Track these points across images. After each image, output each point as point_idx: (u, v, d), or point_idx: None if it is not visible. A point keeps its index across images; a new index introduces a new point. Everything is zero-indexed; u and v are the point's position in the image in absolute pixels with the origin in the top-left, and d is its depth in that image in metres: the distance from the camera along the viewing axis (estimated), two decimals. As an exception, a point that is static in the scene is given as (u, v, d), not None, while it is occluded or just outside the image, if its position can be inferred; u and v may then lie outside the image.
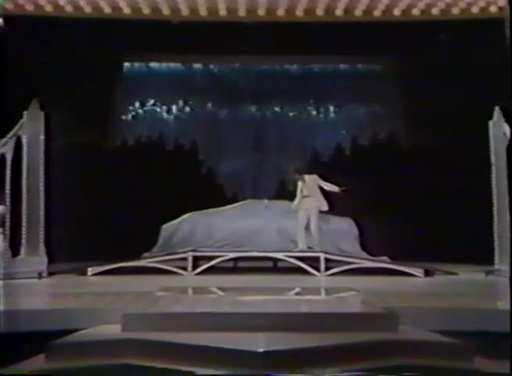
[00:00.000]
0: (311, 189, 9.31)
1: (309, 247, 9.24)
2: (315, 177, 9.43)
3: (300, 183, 9.43)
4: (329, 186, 9.30)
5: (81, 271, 8.60)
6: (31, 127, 8.40)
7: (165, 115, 11.93)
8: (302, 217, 9.33)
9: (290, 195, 10.18)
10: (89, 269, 8.56)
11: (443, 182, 10.44)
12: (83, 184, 10.22)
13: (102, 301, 6.13)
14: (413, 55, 10.61)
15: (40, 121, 8.45)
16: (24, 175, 8.32)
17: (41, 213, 8.34)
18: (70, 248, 9.48)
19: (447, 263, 9.12)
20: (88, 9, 9.76)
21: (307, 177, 9.43)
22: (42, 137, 8.44)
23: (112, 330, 4.87)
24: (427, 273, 8.49)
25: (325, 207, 9.29)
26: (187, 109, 11.97)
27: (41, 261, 8.26)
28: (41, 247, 8.29)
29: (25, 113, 8.43)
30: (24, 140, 8.36)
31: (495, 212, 8.56)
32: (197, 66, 12.03)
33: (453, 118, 10.21)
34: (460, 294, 6.82)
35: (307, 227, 9.31)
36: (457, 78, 9.97)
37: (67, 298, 6.33)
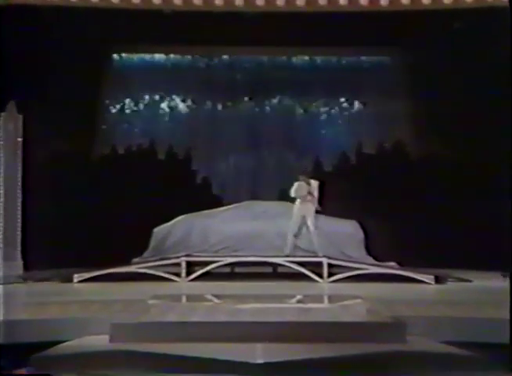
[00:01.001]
0: (314, 194, 9.37)
1: (312, 252, 9.27)
2: (317, 183, 9.51)
3: (300, 184, 9.45)
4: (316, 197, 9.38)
5: (66, 278, 8.58)
6: (8, 129, 8.46)
7: (158, 112, 11.90)
8: (296, 221, 9.39)
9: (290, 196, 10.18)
10: (75, 276, 8.54)
11: (456, 183, 10.42)
12: (66, 189, 10.20)
13: (89, 310, 6.11)
14: (423, 47, 10.56)
15: (18, 124, 8.51)
16: (1, 179, 8.37)
17: (19, 218, 8.41)
18: (54, 254, 9.45)
19: (459, 269, 9.11)
20: (73, -3, 9.71)
21: (313, 182, 9.50)
22: (20, 140, 8.51)
23: (99, 341, 4.86)
24: (438, 280, 8.48)
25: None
26: (181, 104, 11.95)
27: (17, 266, 8.31)
28: (18, 252, 8.36)
29: (2, 114, 8.44)
30: (1, 142, 8.41)
31: None
32: (191, 59, 12.01)
33: (471, 117, 10.14)
34: (474, 302, 6.81)
35: (299, 232, 9.38)
36: (474, 74, 9.91)
37: (51, 307, 6.31)
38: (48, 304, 6.52)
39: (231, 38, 10.76)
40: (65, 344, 4.88)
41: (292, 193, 9.40)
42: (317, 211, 9.39)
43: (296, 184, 9.44)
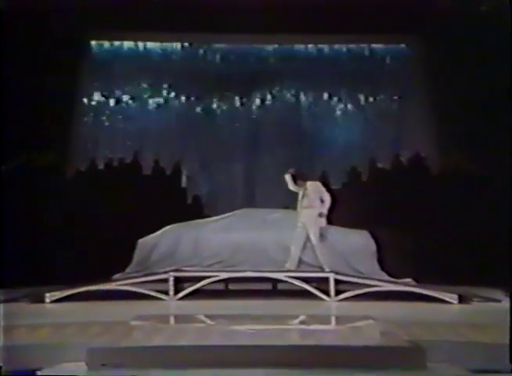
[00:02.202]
0: (312, 198, 9.39)
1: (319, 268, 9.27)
2: (317, 184, 9.49)
3: (301, 191, 9.49)
4: (326, 203, 9.33)
5: (36, 297, 8.54)
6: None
7: (142, 110, 11.89)
8: (299, 232, 9.40)
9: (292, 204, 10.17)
10: (47, 295, 8.50)
11: (482, 192, 10.40)
12: (36, 202, 10.18)
13: (63, 334, 6.08)
14: (445, 34, 10.52)
15: None
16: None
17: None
18: (22, 270, 9.38)
19: (486, 287, 9.09)
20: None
21: (309, 184, 9.48)
22: None
23: (75, 368, 4.84)
24: (462, 299, 8.47)
25: (322, 223, 9.36)
26: (168, 99, 11.96)
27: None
28: None
29: None
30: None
31: None
32: (180, 48, 12.01)
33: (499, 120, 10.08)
34: (503, 326, 6.77)
35: (305, 244, 9.40)
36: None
37: (19, 331, 6.27)
38: (15, 328, 6.46)
39: (226, 25, 10.74)
40: (37, 373, 4.84)
41: (303, 203, 9.37)
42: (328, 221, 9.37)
43: (300, 194, 9.43)
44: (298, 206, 9.50)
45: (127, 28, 11.16)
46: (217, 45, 11.97)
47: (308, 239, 9.42)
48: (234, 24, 10.75)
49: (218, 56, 11.99)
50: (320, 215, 9.29)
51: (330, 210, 9.42)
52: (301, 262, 9.50)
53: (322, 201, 9.36)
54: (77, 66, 11.20)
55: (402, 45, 11.91)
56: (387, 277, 9.56)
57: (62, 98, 10.67)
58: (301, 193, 9.50)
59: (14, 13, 9.16)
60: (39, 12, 9.74)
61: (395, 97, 11.74)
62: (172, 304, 8.46)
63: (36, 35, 9.99)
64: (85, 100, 11.58)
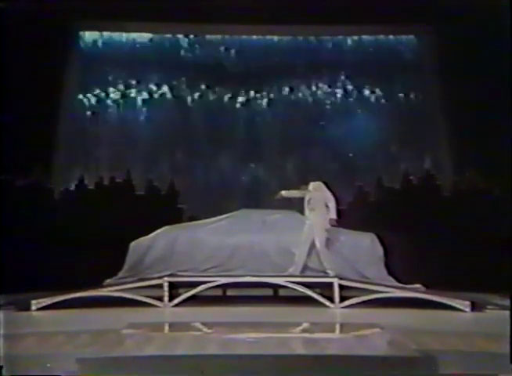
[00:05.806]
0: (315, 200, 9.42)
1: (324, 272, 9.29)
2: (319, 185, 9.51)
3: (306, 195, 9.53)
4: (330, 205, 9.35)
5: (22, 304, 8.52)
6: None
7: (134, 106, 11.93)
8: (306, 235, 9.42)
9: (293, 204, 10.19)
10: (33, 302, 8.49)
11: (492, 194, 10.44)
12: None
13: (51, 344, 6.08)
14: (458, 23, 10.52)
15: None
16: None
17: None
18: (6, 276, 9.39)
19: (500, 294, 9.07)
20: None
21: (311, 185, 9.52)
22: None
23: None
24: (475, 307, 8.46)
25: (327, 225, 9.38)
26: (162, 95, 11.99)
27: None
28: None
29: None
30: None
31: None
32: (173, 38, 12.04)
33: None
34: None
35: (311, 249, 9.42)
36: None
37: (4, 342, 6.25)
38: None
39: (225, 15, 10.74)
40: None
41: (309, 205, 9.41)
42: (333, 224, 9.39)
43: (306, 196, 9.48)
44: (305, 209, 9.53)
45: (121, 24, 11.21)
46: (217, 37, 11.98)
47: (313, 243, 9.45)
48: (234, 15, 10.76)
49: (218, 48, 12.02)
50: (330, 221, 9.31)
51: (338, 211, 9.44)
52: (306, 267, 9.50)
53: (326, 205, 9.38)
54: (63, 75, 11.21)
55: (414, 42, 11.91)
56: (394, 283, 9.55)
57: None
58: (306, 197, 9.54)
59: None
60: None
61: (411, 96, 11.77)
62: (167, 311, 8.47)
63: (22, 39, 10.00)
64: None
